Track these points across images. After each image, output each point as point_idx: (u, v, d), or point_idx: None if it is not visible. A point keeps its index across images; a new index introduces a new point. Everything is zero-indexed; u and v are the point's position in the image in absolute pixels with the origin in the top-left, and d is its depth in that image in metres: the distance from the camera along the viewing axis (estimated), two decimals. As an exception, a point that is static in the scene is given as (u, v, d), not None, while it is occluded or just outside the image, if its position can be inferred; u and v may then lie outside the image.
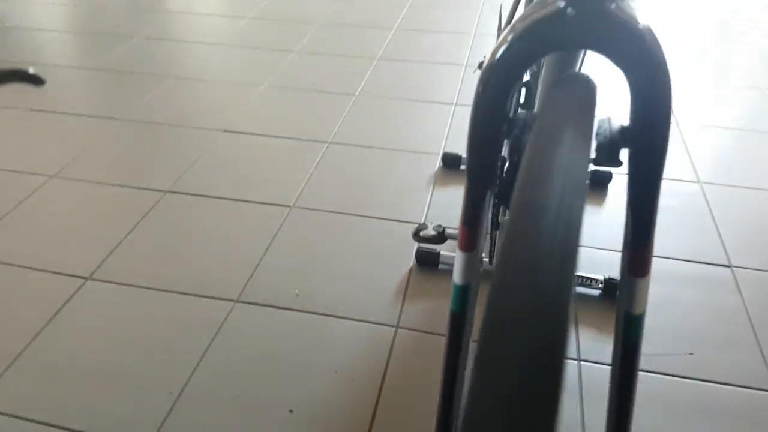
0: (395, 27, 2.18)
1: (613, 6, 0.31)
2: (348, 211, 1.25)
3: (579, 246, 0.23)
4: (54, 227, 1.20)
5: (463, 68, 1.88)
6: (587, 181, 0.26)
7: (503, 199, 0.81)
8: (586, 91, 0.31)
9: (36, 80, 0.47)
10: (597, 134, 0.31)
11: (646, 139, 0.33)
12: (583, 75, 0.33)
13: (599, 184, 1.33)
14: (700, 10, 2.38)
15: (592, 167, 1.29)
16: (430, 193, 1.31)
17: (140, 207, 1.26)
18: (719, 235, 1.21)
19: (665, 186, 1.34)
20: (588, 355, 0.94)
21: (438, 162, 1.41)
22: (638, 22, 0.31)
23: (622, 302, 0.39)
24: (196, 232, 1.20)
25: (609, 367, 0.91)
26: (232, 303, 1.03)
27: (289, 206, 1.26)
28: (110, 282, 1.07)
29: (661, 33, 2.16)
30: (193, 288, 1.06)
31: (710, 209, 1.28)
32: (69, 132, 1.52)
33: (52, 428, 0.83)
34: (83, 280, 1.08)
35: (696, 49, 2.04)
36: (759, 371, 0.93)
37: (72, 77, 1.81)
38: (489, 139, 0.25)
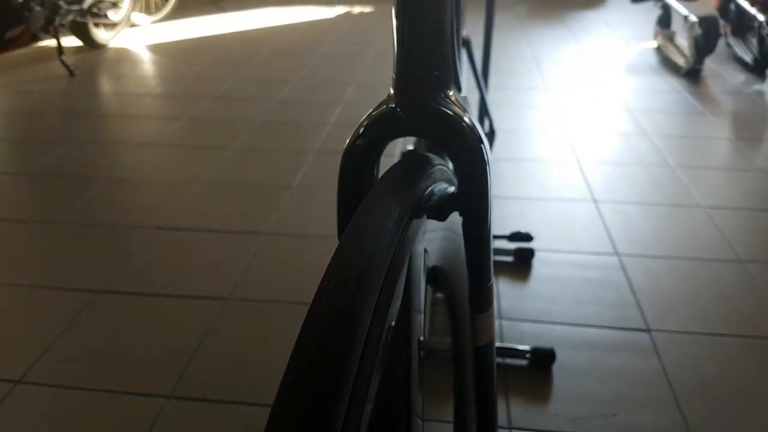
0: (331, 123, 2.31)
1: (432, 102, 0.40)
2: (286, 300, 1.30)
3: (377, 277, 0.29)
4: (-18, 333, 1.20)
5: (396, 159, 2.00)
6: (408, 229, 0.33)
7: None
8: (417, 165, 0.39)
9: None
10: (432, 197, 0.39)
11: (469, 206, 0.42)
12: (421, 154, 0.41)
13: (523, 260, 1.43)
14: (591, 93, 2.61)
15: (516, 245, 1.39)
16: (364, 278, 1.38)
17: (71, 308, 1.28)
18: (637, 302, 1.30)
19: (586, 260, 1.45)
20: (519, 423, 0.99)
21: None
22: (455, 114, 0.40)
23: (470, 337, 0.46)
24: (129, 330, 1.22)
25: (538, 434, 0.97)
26: (164, 399, 1.05)
27: (225, 298, 1.31)
28: (41, 384, 1.08)
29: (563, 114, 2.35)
30: (124, 386, 1.08)
31: (628, 279, 1.38)
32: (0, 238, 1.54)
33: None
34: (13, 384, 1.08)
35: (599, 129, 2.23)
36: (677, 426, 1.00)
37: (2, 184, 1.85)
38: (351, 211, 0.32)
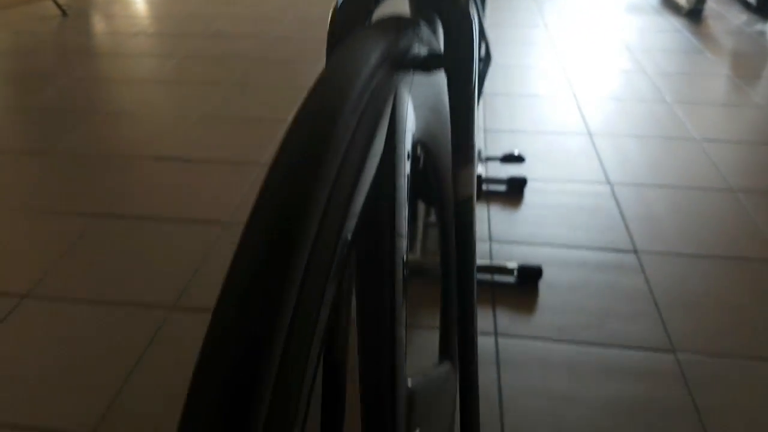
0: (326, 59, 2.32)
1: None
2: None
3: (356, 105, 0.28)
4: (-14, 254, 1.25)
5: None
6: (393, 72, 0.33)
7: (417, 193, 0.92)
8: (406, 21, 0.41)
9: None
10: (420, 53, 0.41)
11: (456, 63, 0.45)
12: (402, 16, 0.44)
13: (515, 189, 1.47)
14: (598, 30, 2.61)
15: (509, 176, 1.42)
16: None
17: (74, 231, 1.32)
18: (627, 226, 1.35)
19: (579, 188, 1.49)
20: (504, 331, 1.05)
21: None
22: None
23: (452, 193, 0.49)
24: (131, 250, 1.27)
25: (524, 340, 1.03)
26: (166, 311, 1.11)
27: (225, 222, 1.35)
28: (46, 299, 1.13)
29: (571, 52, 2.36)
30: (127, 299, 1.13)
31: (619, 206, 1.43)
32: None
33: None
34: (19, 299, 1.13)
35: (598, 66, 2.24)
36: (659, 336, 1.06)
37: (1, 118, 1.87)
38: None
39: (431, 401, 0.45)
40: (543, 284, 1.17)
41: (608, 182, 1.52)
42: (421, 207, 1.33)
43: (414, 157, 0.38)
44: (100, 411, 0.91)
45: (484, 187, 1.49)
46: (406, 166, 0.37)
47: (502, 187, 1.49)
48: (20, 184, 1.50)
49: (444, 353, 0.53)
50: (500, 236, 1.31)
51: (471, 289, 0.48)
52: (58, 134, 1.75)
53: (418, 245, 1.22)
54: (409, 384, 0.41)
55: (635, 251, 1.27)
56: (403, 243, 0.38)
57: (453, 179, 0.49)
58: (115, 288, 1.16)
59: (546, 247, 1.28)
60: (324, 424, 0.42)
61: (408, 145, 0.37)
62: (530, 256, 1.25)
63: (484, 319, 1.08)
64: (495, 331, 1.05)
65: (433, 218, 1.31)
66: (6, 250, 1.27)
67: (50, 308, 1.11)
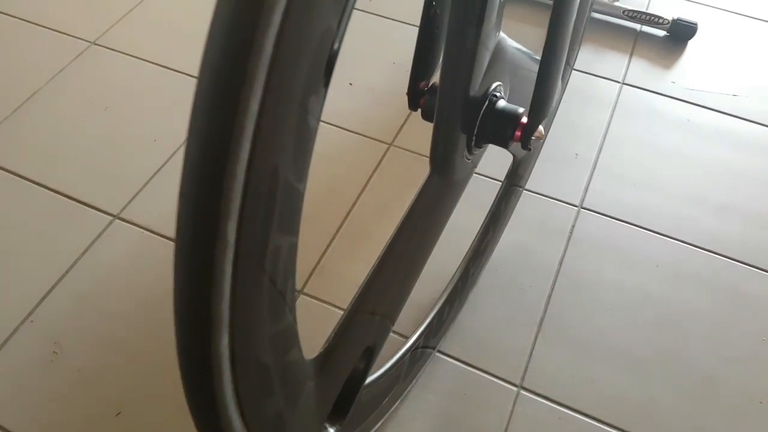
0: None
1: None
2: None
3: None
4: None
5: None
6: None
7: None
8: None
9: None
10: None
11: None
12: None
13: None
14: None
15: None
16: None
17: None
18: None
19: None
20: (631, 81, 1.07)
21: None
22: None
23: None
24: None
25: (649, 94, 1.05)
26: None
27: None
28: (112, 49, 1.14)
29: None
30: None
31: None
32: None
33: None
34: (88, 44, 1.14)
35: None
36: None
37: None
38: None
39: (515, 69, 0.51)
40: (693, 44, 1.15)
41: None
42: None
43: None
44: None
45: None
46: None
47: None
48: None
49: None
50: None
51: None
52: None
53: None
54: (499, 36, 0.47)
55: (814, 31, 1.19)
56: None
57: None
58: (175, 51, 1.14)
59: (712, 8, 1.22)
60: (416, 66, 0.50)
61: None
62: (690, 13, 1.20)
63: (616, 67, 1.09)
64: (622, 80, 1.07)
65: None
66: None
67: (112, 59, 1.11)
